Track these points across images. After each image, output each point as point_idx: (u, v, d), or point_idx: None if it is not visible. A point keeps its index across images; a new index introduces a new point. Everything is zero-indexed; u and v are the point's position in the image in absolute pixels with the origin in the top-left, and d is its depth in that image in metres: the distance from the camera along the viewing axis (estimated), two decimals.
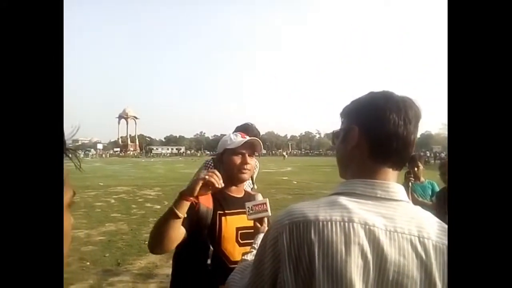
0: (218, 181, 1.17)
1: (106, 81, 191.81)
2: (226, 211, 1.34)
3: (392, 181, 0.69)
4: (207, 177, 1.16)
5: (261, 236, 1.08)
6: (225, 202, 1.36)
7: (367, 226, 0.61)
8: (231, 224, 1.33)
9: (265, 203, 1.18)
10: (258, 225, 1.18)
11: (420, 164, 3.25)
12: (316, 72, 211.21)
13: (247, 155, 1.38)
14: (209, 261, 1.28)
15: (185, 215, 1.17)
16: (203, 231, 1.29)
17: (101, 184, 12.53)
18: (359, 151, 0.71)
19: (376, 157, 0.69)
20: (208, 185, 1.16)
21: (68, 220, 0.43)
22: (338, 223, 0.61)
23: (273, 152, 79.87)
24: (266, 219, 1.18)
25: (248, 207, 1.18)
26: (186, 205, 1.17)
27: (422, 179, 3.28)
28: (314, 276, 0.59)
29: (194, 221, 1.27)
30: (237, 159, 1.37)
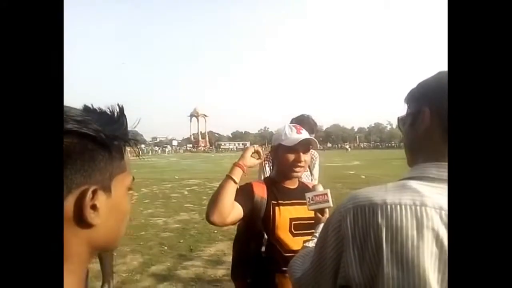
0: (261, 152, 1.39)
1: (178, 83, 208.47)
2: (280, 201, 1.37)
3: None
4: (255, 146, 1.39)
5: (322, 226, 1.06)
6: (278, 193, 1.39)
7: (442, 211, 0.55)
8: (285, 214, 1.36)
9: (326, 194, 1.15)
10: (319, 215, 1.16)
11: None
12: (384, 60, 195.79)
13: (301, 153, 1.36)
14: (263, 249, 1.33)
15: (238, 185, 1.29)
16: (258, 220, 1.35)
17: (176, 177, 13.71)
18: (431, 134, 0.66)
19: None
20: (257, 155, 1.37)
21: (127, 201, 0.48)
22: (408, 207, 0.56)
23: (339, 145, 76.81)
24: (327, 210, 1.16)
25: (309, 198, 1.16)
26: (239, 171, 1.29)
27: None
28: (381, 262, 0.55)
29: (250, 209, 1.33)
30: (291, 157, 1.36)
